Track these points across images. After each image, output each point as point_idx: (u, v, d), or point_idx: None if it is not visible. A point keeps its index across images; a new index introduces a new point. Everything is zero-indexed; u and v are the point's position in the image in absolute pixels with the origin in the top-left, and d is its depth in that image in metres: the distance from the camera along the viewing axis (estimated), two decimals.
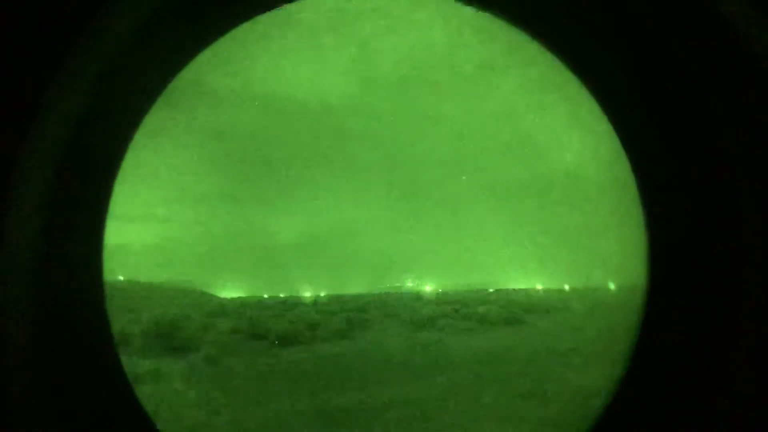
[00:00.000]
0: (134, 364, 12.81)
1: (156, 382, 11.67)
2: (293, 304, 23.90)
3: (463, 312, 20.79)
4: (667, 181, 2.42)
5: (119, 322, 16.79)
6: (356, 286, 30.35)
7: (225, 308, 23.00)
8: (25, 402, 2.21)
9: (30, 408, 2.23)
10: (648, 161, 2.44)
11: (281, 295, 27.05)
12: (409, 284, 30.93)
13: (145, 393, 10.98)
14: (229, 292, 29.11)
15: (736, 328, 2.31)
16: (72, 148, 2.36)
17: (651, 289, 2.46)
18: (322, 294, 28.01)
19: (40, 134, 2.14)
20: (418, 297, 27.41)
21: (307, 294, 28.34)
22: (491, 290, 29.94)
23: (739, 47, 2.12)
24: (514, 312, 20.46)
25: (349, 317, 19.25)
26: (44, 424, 2.26)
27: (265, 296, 27.36)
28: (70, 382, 2.36)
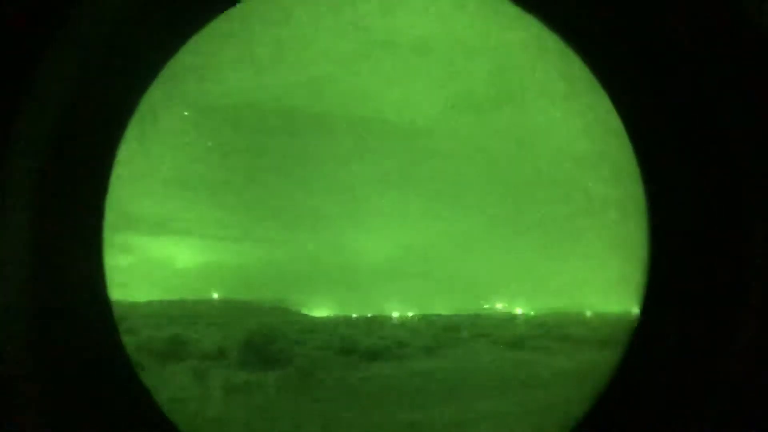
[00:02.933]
0: (231, 375, 13.26)
1: (250, 392, 12.03)
2: (381, 322, 23.97)
3: (556, 333, 20.17)
4: (675, 187, 2.40)
5: (215, 337, 17.43)
6: (445, 306, 30.05)
7: (315, 325, 23.38)
8: (30, 412, 2.17)
9: (35, 417, 2.18)
10: (659, 165, 2.42)
11: (369, 315, 27.18)
12: (500, 306, 30.34)
13: (239, 402, 11.33)
14: (319, 310, 29.56)
15: (736, 334, 2.23)
16: (61, 139, 2.24)
17: (647, 293, 2.53)
18: (410, 314, 27.95)
19: (27, 124, 2.05)
20: (510, 318, 26.85)
21: (395, 314, 28.35)
22: (588, 313, 28.88)
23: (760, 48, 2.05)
24: (608, 334, 19.65)
25: (438, 335, 19.10)
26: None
27: (354, 315, 27.57)
28: (78, 389, 2.30)
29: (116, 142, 2.37)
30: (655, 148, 2.45)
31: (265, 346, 15.55)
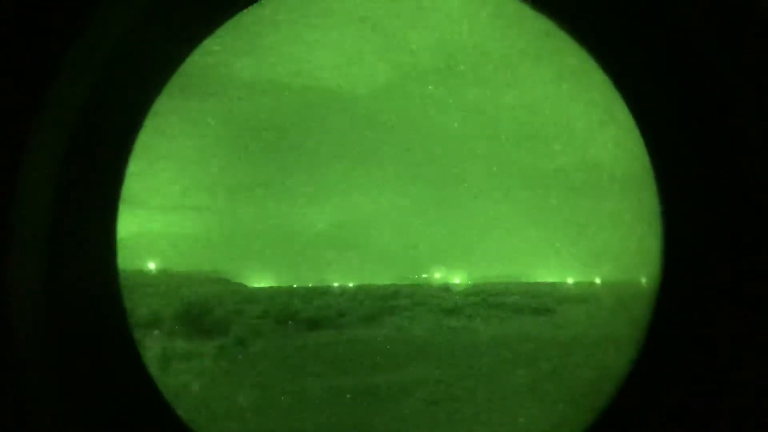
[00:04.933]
0: (166, 344, 13.10)
1: (186, 361, 11.92)
2: (322, 292, 24.03)
3: (491, 301, 20.72)
4: (687, 176, 2.41)
5: (151, 307, 17.10)
6: (385, 276, 30.32)
7: (254, 296, 23.23)
8: (39, 395, 2.18)
9: (44, 401, 2.20)
10: (669, 156, 2.43)
11: (309, 285, 27.15)
12: (438, 275, 30.84)
13: (175, 370, 11.21)
14: (259, 281, 29.33)
15: (751, 321, 2.27)
16: (80, 133, 2.34)
17: (663, 282, 2.43)
18: (351, 284, 28.08)
19: (46, 121, 2.12)
20: (446, 288, 27.34)
21: (336, 284, 28.43)
22: (522, 282, 29.68)
23: None
24: (543, 302, 20.32)
25: (377, 304, 19.32)
26: (60, 417, 2.24)
27: (294, 285, 27.50)
28: (86, 372, 2.35)
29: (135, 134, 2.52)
30: (661, 131, 2.43)
31: (202, 315, 15.40)
